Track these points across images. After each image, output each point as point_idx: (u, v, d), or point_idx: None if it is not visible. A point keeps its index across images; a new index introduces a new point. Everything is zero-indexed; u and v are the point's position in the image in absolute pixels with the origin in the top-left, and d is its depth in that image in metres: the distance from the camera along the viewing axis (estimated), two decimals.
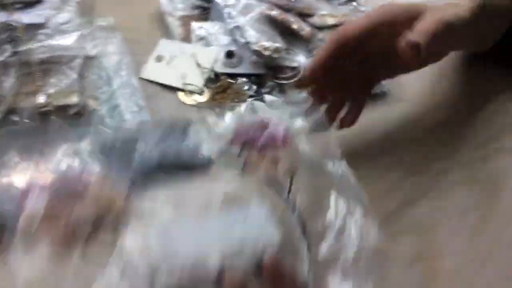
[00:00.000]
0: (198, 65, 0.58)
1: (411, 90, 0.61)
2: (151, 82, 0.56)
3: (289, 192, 0.35)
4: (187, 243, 0.29)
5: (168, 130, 0.37)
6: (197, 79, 0.57)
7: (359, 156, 0.52)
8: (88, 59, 0.46)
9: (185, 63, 0.58)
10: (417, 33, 0.43)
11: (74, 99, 0.43)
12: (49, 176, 0.32)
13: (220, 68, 0.57)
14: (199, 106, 0.55)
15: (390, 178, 0.51)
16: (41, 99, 0.42)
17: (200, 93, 0.56)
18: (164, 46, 0.60)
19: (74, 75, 0.44)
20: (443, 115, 0.59)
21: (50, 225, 0.30)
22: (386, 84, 0.59)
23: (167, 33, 0.62)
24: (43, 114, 0.43)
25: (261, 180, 0.34)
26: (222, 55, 0.58)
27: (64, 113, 0.44)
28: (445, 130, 0.57)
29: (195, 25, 0.61)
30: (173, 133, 0.37)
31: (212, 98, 0.55)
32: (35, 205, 0.30)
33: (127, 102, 0.51)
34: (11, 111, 0.42)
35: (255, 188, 0.34)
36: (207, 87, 0.56)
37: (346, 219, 0.33)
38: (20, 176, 0.32)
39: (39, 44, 0.43)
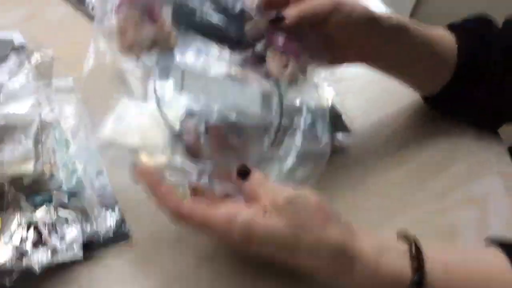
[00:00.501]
0: (159, 125, 0.57)
1: (372, 143, 0.62)
2: (111, 143, 0.55)
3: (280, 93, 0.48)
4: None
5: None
6: (158, 139, 0.56)
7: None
8: (44, 125, 0.45)
9: (145, 123, 0.57)
10: (290, 9, 0.48)
11: (29, 167, 0.42)
12: None
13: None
14: (161, 167, 0.54)
15: None
16: None
17: (162, 153, 0.55)
18: (124, 106, 0.59)
19: (29, 143, 0.42)
20: (404, 167, 0.60)
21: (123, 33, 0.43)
22: (346, 138, 0.60)
23: (127, 91, 0.62)
24: None
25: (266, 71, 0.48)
26: (183, 114, 0.58)
27: (19, 182, 0.42)
28: (406, 182, 0.59)
29: (155, 84, 0.61)
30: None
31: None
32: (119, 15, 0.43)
33: (86, 166, 0.49)
34: None
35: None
36: (170, 147, 0.55)
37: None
38: None
39: None
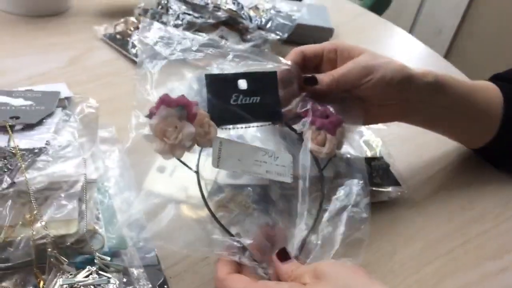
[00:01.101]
0: (201, 176, 0.56)
1: (420, 195, 0.60)
2: (153, 194, 0.55)
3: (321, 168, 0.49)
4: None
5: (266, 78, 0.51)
6: (200, 192, 0.55)
7: (367, 267, 0.50)
8: (89, 184, 0.44)
9: (187, 174, 0.56)
10: (324, 76, 0.50)
11: (73, 229, 0.41)
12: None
13: (223, 180, 0.56)
14: (201, 219, 0.52)
15: None
16: (37, 230, 0.40)
17: (203, 206, 0.54)
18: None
19: (73, 203, 0.42)
20: (453, 222, 0.57)
21: (162, 133, 0.42)
22: (394, 190, 0.57)
23: None
24: (40, 246, 0.40)
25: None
26: None
27: (62, 243, 0.41)
28: (458, 238, 0.55)
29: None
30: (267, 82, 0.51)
31: (216, 211, 0.53)
32: (157, 116, 0.42)
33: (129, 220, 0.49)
34: (6, 244, 0.40)
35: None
36: (210, 200, 0.54)
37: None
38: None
39: (38, 173, 0.41)
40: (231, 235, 0.45)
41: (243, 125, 0.51)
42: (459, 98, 0.55)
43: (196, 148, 0.48)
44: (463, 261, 0.53)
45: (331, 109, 0.51)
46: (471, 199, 0.61)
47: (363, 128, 0.65)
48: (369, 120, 0.54)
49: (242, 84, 0.51)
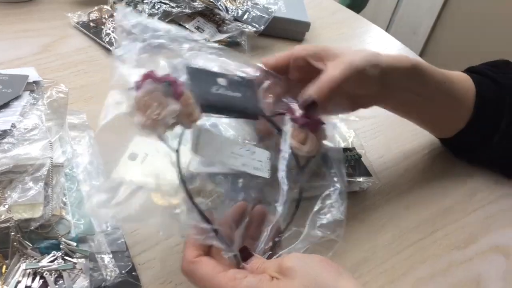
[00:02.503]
0: (173, 164, 0.55)
1: (391, 186, 0.60)
2: (124, 182, 0.54)
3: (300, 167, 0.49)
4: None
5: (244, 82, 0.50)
6: (171, 179, 0.54)
7: (337, 257, 0.50)
8: (55, 168, 0.43)
9: (159, 162, 0.56)
10: (314, 89, 0.48)
11: (37, 213, 0.40)
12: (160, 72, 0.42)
13: (195, 168, 0.55)
14: (173, 207, 0.52)
15: (371, 286, 0.49)
16: (0, 213, 0.39)
17: (175, 194, 0.53)
18: (138, 144, 0.58)
19: (39, 187, 0.41)
20: (423, 213, 0.58)
21: (146, 107, 0.41)
22: (365, 181, 0.58)
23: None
24: (3, 230, 0.39)
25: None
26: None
27: (26, 227, 0.40)
28: (427, 229, 0.56)
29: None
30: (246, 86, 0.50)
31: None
32: (143, 90, 0.41)
33: None
34: None
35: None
36: (180, 188, 0.54)
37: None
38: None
39: (2, 155, 0.40)
40: (206, 218, 0.44)
41: (225, 115, 0.50)
42: (435, 85, 0.56)
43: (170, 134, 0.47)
44: (431, 250, 0.54)
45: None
46: (440, 191, 0.61)
47: (336, 120, 0.65)
48: (352, 108, 0.54)
49: (222, 82, 0.51)
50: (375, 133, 0.68)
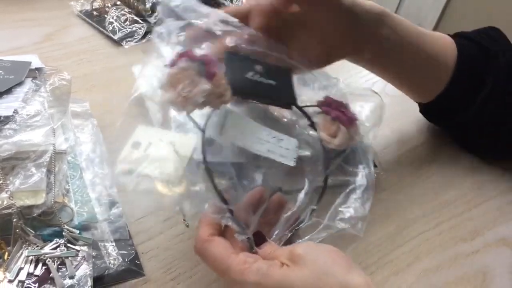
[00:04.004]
0: (177, 153, 0.55)
1: (396, 178, 0.60)
2: (127, 170, 0.53)
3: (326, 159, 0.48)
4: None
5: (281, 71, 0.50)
6: (175, 168, 0.54)
7: (341, 247, 0.50)
8: (58, 154, 0.43)
9: (163, 151, 0.55)
10: None
11: (40, 199, 0.40)
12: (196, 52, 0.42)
13: (199, 157, 0.55)
14: (177, 196, 0.51)
15: (373, 281, 0.48)
16: (3, 200, 0.39)
17: (178, 182, 0.53)
18: (142, 132, 0.57)
19: (41, 173, 0.40)
20: (428, 206, 0.58)
21: (178, 84, 0.40)
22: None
23: (146, 117, 0.60)
24: (5, 216, 0.39)
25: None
26: (201, 142, 0.56)
27: (28, 214, 0.40)
28: (432, 221, 0.56)
29: (174, 111, 0.59)
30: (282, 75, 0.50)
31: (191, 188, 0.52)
32: (177, 66, 0.41)
33: (99, 196, 0.47)
34: None
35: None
36: (188, 177, 0.53)
37: None
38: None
39: (4, 140, 0.40)
40: (223, 199, 0.43)
41: (256, 101, 0.50)
42: (407, 35, 0.54)
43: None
44: (436, 242, 0.53)
45: (349, 105, 0.51)
46: (445, 183, 0.61)
47: None
48: (323, 55, 0.53)
49: (259, 68, 0.51)
50: (382, 123, 0.68)
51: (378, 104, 0.56)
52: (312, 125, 0.50)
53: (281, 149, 0.47)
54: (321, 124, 0.49)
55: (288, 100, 0.50)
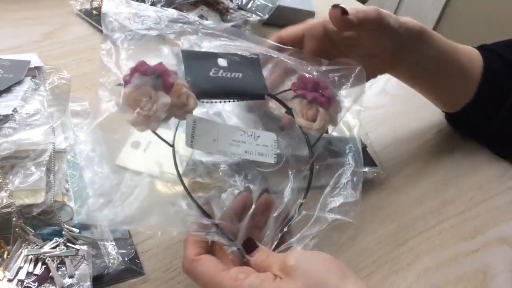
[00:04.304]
0: (177, 152, 0.55)
1: (396, 176, 0.60)
2: (127, 170, 0.53)
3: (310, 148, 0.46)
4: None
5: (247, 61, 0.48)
6: (175, 167, 0.54)
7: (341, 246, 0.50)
8: (57, 153, 0.43)
9: (162, 150, 0.55)
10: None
11: (39, 198, 0.40)
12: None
13: (199, 156, 0.55)
14: (176, 195, 0.51)
15: (374, 279, 0.48)
16: (2, 199, 0.39)
17: (178, 181, 0.53)
18: (141, 133, 0.57)
19: (41, 172, 0.40)
20: (428, 205, 0.57)
21: (136, 103, 0.39)
22: (370, 171, 0.57)
23: None
24: (4, 215, 0.39)
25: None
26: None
27: (28, 213, 0.40)
28: (433, 220, 0.56)
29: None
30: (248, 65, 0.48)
31: (191, 188, 0.52)
32: (131, 85, 0.39)
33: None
34: None
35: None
36: (186, 176, 0.53)
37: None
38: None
39: (3, 139, 0.40)
40: (206, 213, 0.42)
41: (224, 100, 0.48)
42: (443, 50, 0.56)
43: (173, 121, 0.46)
44: (437, 241, 0.53)
45: (325, 80, 0.48)
46: (446, 181, 0.61)
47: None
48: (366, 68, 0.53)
49: (222, 62, 0.49)
50: (380, 124, 0.68)
51: (357, 74, 0.52)
52: (290, 112, 0.48)
53: (259, 147, 0.45)
54: (297, 110, 0.46)
55: (258, 90, 0.48)
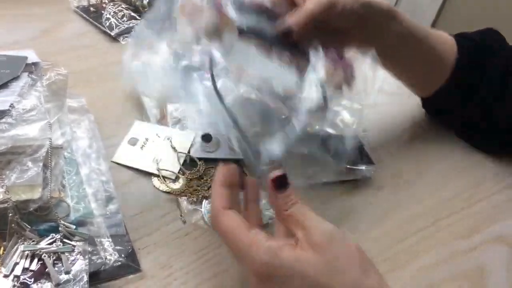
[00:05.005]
0: (174, 149, 0.55)
1: (394, 175, 0.60)
2: (124, 166, 0.53)
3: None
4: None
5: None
6: (172, 164, 0.54)
7: None
8: (54, 149, 0.42)
9: (159, 147, 0.55)
10: (291, 19, 0.48)
11: (36, 194, 0.40)
12: None
13: (196, 153, 0.55)
14: (173, 193, 0.51)
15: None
16: None
17: (175, 179, 0.53)
18: (138, 128, 0.57)
19: (37, 168, 0.40)
20: (425, 203, 0.57)
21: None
22: (368, 169, 0.57)
23: (142, 113, 0.60)
24: (1, 211, 0.39)
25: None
26: (198, 139, 0.56)
27: (24, 208, 0.40)
28: (430, 218, 0.56)
29: (171, 106, 0.59)
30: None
31: (188, 185, 0.52)
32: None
33: (96, 191, 0.47)
34: None
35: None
36: (183, 173, 0.53)
37: None
38: None
39: (0, 134, 0.39)
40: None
41: (260, 37, 0.49)
42: (412, 30, 0.56)
43: None
44: (435, 239, 0.53)
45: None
46: (444, 180, 0.61)
47: (339, 108, 0.65)
48: (333, 42, 0.53)
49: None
50: (378, 121, 0.68)
51: None
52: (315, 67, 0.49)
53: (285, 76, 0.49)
54: (319, 65, 0.49)
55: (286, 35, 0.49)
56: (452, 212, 0.57)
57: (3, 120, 0.41)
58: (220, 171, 0.40)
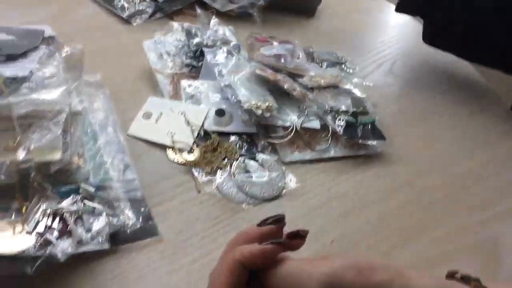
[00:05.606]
0: (188, 122, 0.55)
1: (404, 151, 0.60)
2: (139, 139, 0.54)
3: None
4: None
5: None
6: (186, 137, 0.54)
7: (351, 217, 0.50)
8: (74, 115, 0.43)
9: (174, 120, 0.56)
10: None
11: (57, 156, 0.40)
12: None
13: (210, 127, 0.55)
14: (188, 164, 0.52)
15: (384, 248, 0.48)
16: (21, 155, 0.39)
17: (190, 151, 0.53)
18: (153, 103, 0.58)
19: (58, 131, 0.41)
20: (436, 178, 0.58)
21: None
22: (379, 145, 0.58)
23: (156, 90, 0.61)
24: (23, 171, 0.39)
25: None
26: (212, 113, 0.56)
27: (45, 170, 0.40)
28: (442, 192, 0.56)
29: (184, 83, 0.60)
30: None
31: (202, 157, 0.53)
32: None
33: (113, 159, 0.48)
34: None
35: None
36: (197, 145, 0.54)
37: None
38: None
39: (21, 98, 0.40)
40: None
41: None
42: None
43: None
44: (446, 212, 0.53)
45: None
46: (456, 156, 0.61)
47: (350, 86, 0.65)
48: None
49: None
50: (390, 100, 0.68)
51: None
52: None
53: None
54: None
55: None
56: (464, 186, 0.57)
57: (24, 85, 0.42)
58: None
